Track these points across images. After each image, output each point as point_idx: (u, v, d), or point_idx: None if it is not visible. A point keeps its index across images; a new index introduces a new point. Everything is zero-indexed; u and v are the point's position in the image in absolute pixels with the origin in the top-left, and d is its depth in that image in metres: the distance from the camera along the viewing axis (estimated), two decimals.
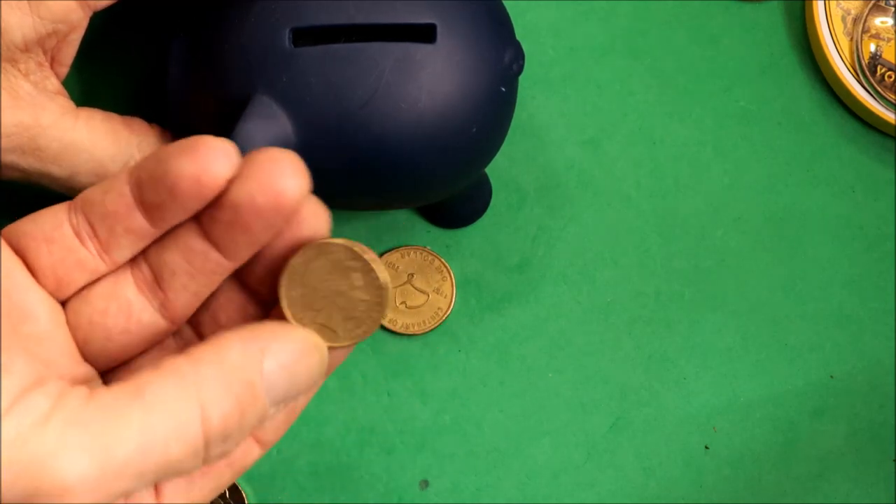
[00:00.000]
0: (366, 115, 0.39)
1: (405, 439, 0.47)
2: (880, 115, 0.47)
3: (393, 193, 0.41)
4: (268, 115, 0.39)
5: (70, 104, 0.41)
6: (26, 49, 0.39)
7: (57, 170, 0.40)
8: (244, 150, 0.38)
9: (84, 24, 0.40)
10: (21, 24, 0.38)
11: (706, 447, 0.47)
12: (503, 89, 0.41)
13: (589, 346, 0.47)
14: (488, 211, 0.48)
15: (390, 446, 0.47)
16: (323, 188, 0.41)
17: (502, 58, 0.41)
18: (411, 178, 0.40)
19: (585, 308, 0.48)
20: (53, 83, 0.41)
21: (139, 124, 0.42)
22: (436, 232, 0.48)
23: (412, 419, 0.47)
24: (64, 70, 0.41)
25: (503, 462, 0.47)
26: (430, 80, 0.39)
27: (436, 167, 0.40)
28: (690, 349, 0.48)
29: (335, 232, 0.47)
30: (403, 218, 0.48)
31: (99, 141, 0.41)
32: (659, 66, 0.49)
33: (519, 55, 0.41)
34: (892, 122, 0.47)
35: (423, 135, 0.39)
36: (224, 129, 0.39)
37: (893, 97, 0.47)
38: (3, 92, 0.39)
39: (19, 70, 0.40)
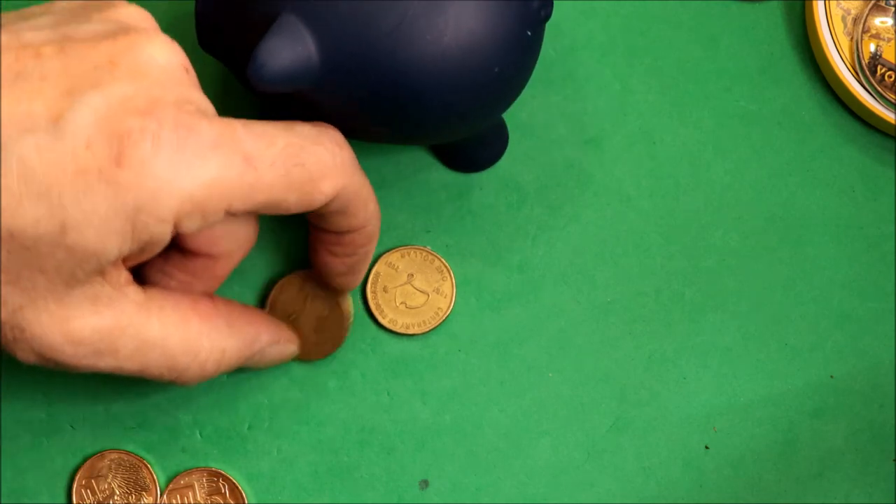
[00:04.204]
0: (391, 42, 0.38)
1: (405, 439, 0.47)
2: (880, 115, 0.47)
3: (410, 125, 0.41)
4: (293, 35, 0.38)
5: (141, 294, 0.40)
6: (115, 264, 0.39)
7: (129, 365, 0.40)
8: (267, 67, 0.38)
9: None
10: (120, 248, 0.37)
11: (706, 447, 0.47)
12: (529, 33, 0.41)
13: (589, 346, 0.47)
14: (488, 211, 0.48)
15: (390, 446, 0.47)
16: (342, 115, 0.41)
17: (531, 1, 0.41)
18: (429, 110, 0.40)
19: (585, 308, 0.48)
20: (125, 276, 0.40)
21: (206, 306, 0.42)
22: (436, 232, 0.48)
23: (412, 419, 0.47)
24: (131, 263, 0.41)
25: (503, 462, 0.47)
26: (457, 15, 0.39)
27: (455, 102, 0.40)
28: (690, 349, 0.48)
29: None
30: (403, 218, 0.48)
31: (170, 335, 0.40)
32: (659, 66, 0.49)
33: (547, 1, 0.41)
34: (892, 122, 0.47)
35: (445, 69, 0.39)
36: (250, 47, 0.39)
37: (893, 97, 0.47)
38: (85, 300, 0.38)
39: (102, 276, 0.39)
